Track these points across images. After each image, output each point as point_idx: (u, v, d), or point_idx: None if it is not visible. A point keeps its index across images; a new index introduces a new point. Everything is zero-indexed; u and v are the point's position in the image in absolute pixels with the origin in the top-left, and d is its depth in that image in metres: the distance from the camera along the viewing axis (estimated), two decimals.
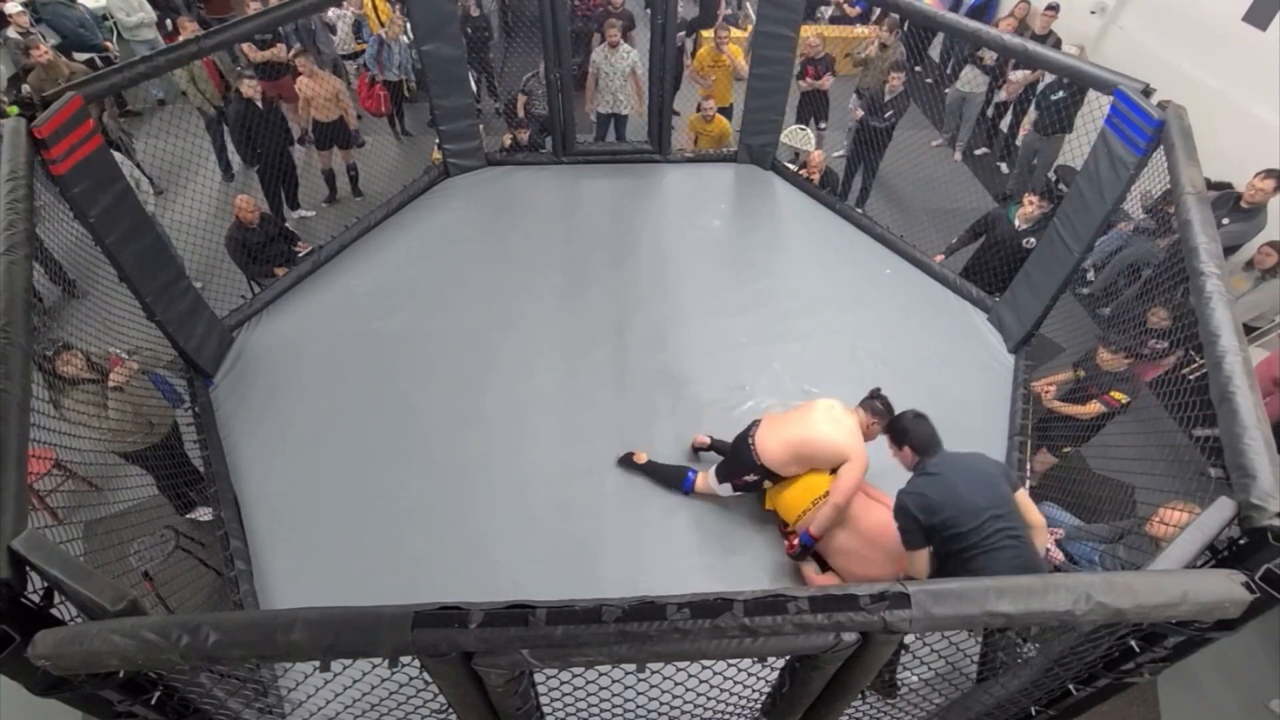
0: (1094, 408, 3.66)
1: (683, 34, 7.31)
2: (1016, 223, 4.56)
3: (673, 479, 3.66)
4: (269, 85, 6.60)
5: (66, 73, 5.81)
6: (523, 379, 4.21)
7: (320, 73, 6.02)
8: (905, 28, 6.53)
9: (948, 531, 2.45)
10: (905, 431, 2.75)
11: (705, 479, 3.53)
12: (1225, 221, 4.59)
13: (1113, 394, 3.59)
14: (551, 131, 5.91)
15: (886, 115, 5.97)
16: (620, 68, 5.99)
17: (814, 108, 6.88)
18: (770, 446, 3.26)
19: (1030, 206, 4.47)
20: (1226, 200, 4.73)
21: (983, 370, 4.37)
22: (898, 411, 3.02)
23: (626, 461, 3.75)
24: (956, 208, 6.50)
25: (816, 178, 5.79)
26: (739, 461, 3.37)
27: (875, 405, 3.22)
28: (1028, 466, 3.80)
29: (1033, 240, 4.32)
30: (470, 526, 3.51)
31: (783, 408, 3.98)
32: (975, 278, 4.83)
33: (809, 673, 1.59)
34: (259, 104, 5.58)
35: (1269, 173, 4.44)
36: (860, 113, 6.12)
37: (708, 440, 3.80)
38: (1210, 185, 4.88)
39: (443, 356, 4.32)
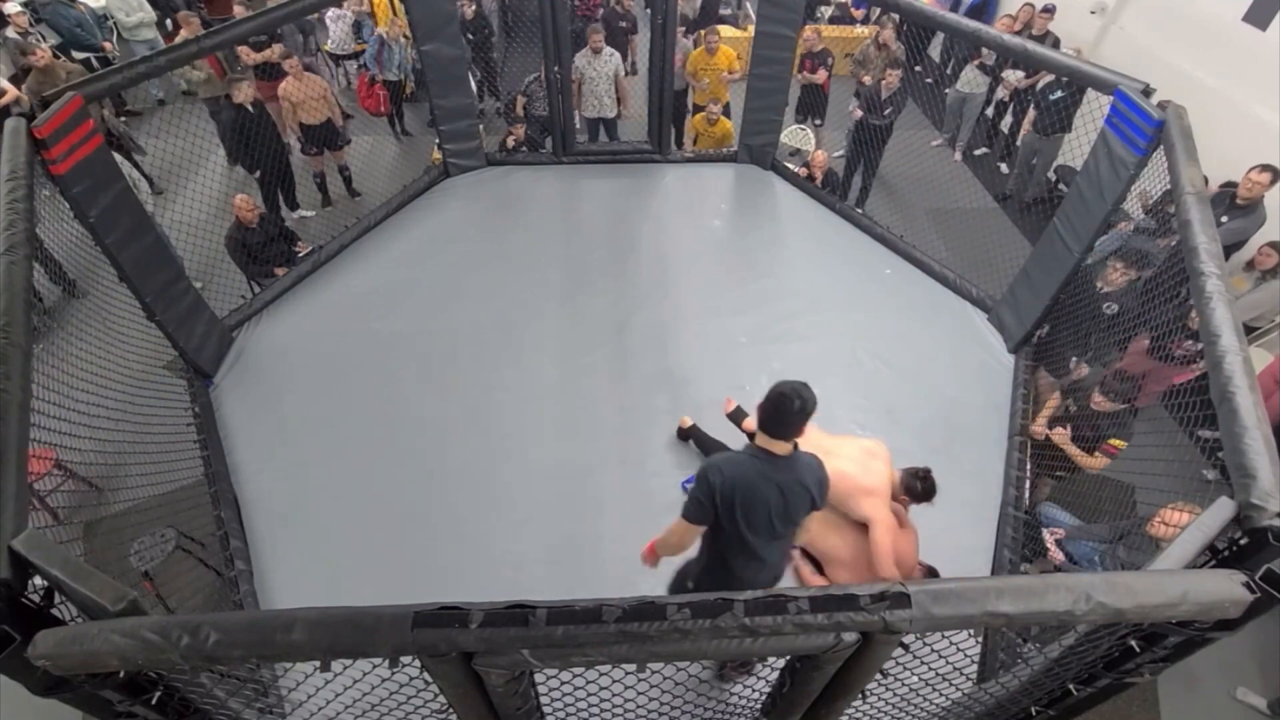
0: (1100, 461, 3.50)
1: (683, 30, 7.28)
2: (1099, 284, 4.01)
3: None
4: (267, 86, 6.59)
5: (64, 75, 5.80)
6: (523, 379, 4.21)
7: (306, 74, 5.95)
8: (905, 29, 6.53)
9: (726, 527, 2.24)
10: (769, 399, 2.14)
11: None
12: (1224, 219, 4.58)
13: (1112, 442, 3.45)
14: (551, 131, 5.91)
15: (886, 113, 5.97)
16: (604, 72, 5.98)
17: (811, 102, 6.89)
18: None
19: (1115, 273, 3.88)
20: (1223, 198, 4.72)
21: (983, 370, 4.37)
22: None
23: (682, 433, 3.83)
24: (956, 208, 6.50)
25: (820, 176, 5.78)
26: None
27: (915, 486, 2.97)
28: (1027, 466, 3.80)
29: (1114, 306, 3.82)
30: (470, 526, 3.51)
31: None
32: (1053, 336, 4.31)
33: (809, 673, 1.59)
34: (250, 109, 5.54)
35: (1264, 167, 4.43)
36: (859, 113, 6.12)
37: (690, 422, 3.80)
38: (1222, 185, 4.88)
39: (443, 356, 4.32)
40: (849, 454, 3.05)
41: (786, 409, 2.12)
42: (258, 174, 5.78)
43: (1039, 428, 3.85)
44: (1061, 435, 3.64)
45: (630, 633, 1.32)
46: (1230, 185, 4.90)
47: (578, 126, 6.43)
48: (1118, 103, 3.48)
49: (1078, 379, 3.88)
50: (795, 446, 2.23)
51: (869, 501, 2.91)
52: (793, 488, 2.25)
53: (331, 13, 7.41)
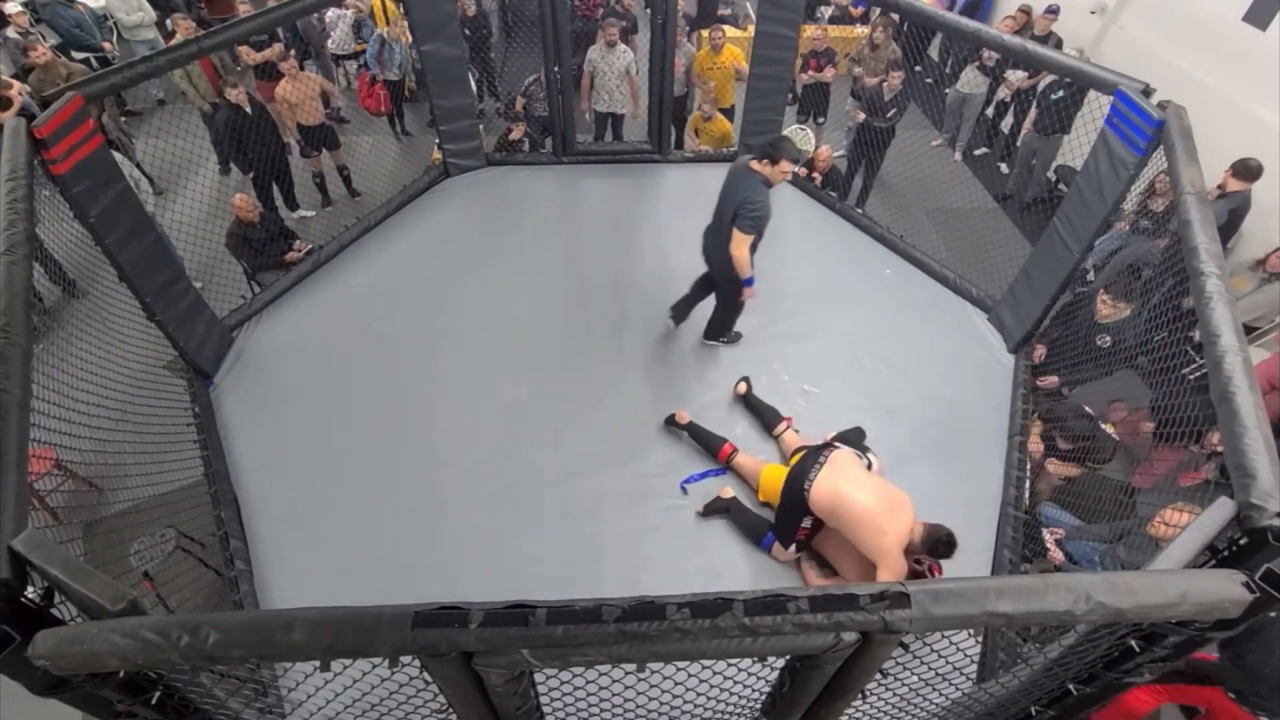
0: (1077, 470, 3.57)
1: (688, 31, 7.31)
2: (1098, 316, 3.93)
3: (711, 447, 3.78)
4: (268, 86, 6.59)
5: (65, 73, 5.81)
6: (523, 379, 4.21)
7: (301, 74, 5.95)
8: (906, 28, 6.53)
9: None
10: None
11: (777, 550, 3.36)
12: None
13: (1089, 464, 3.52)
14: (551, 131, 5.91)
15: (889, 115, 5.96)
16: (617, 67, 6.02)
17: (815, 101, 6.88)
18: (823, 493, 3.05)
19: (1105, 307, 3.82)
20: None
21: (983, 370, 4.37)
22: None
23: (670, 421, 3.90)
24: (957, 208, 6.51)
25: (821, 172, 5.78)
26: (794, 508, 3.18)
27: (937, 547, 2.91)
28: (1027, 466, 3.80)
29: (1107, 339, 3.83)
30: (470, 526, 3.51)
31: (786, 408, 3.98)
32: (1053, 359, 4.30)
33: (809, 673, 1.59)
34: (247, 109, 5.53)
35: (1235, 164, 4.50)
36: (861, 115, 6.11)
37: (688, 417, 3.85)
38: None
39: (443, 356, 4.32)
40: (874, 490, 3.00)
41: (768, 142, 3.56)
42: (251, 175, 5.78)
43: (1036, 447, 3.83)
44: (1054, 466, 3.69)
45: (630, 632, 1.32)
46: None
47: (588, 120, 6.46)
48: (1118, 103, 3.48)
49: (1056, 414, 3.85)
50: (764, 176, 3.53)
51: (881, 540, 2.87)
52: (736, 183, 3.60)
53: (332, 13, 7.41)
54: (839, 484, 3.02)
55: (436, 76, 5.26)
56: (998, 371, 4.36)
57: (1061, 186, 6.43)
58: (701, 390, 4.11)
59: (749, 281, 3.71)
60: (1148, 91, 3.39)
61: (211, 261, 4.91)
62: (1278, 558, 1.49)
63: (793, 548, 3.28)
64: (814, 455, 3.20)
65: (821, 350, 4.40)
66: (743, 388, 4.03)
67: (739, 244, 3.54)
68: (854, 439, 3.75)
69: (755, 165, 3.52)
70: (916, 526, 2.96)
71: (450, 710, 1.69)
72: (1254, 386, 1.89)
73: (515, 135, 6.02)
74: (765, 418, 3.89)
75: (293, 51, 6.79)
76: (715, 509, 3.53)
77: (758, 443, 3.86)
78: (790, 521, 3.22)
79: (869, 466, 3.30)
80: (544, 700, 1.88)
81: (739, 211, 3.51)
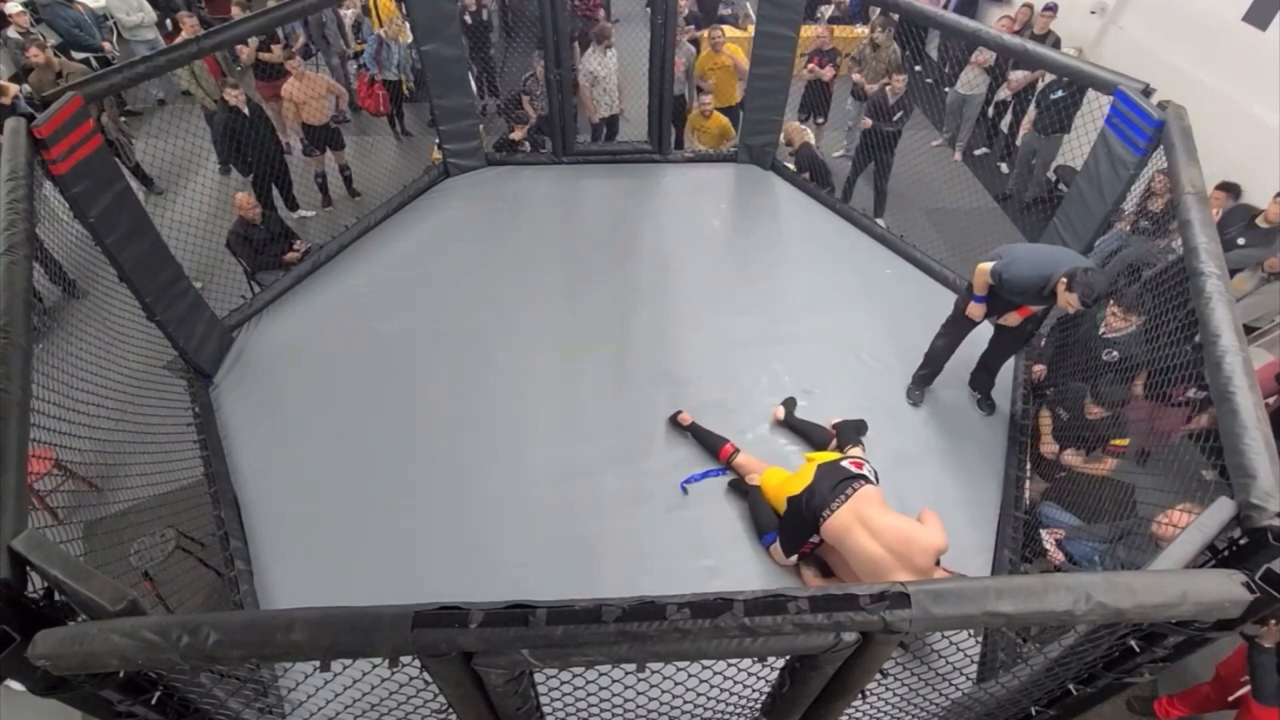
0: (1109, 465, 3.54)
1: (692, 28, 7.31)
2: (1101, 329, 3.87)
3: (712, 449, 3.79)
4: (267, 86, 6.60)
5: (64, 73, 5.80)
6: (523, 379, 4.21)
7: (309, 74, 5.96)
8: (899, 23, 6.53)
9: None
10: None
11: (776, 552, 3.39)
12: (1241, 242, 4.52)
13: (1114, 443, 3.48)
14: (551, 132, 5.91)
15: (895, 118, 5.95)
16: (613, 68, 6.10)
17: (815, 100, 6.88)
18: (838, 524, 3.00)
19: (1115, 319, 3.73)
20: (1241, 215, 4.66)
21: None
22: None
23: (673, 422, 3.92)
24: (957, 208, 6.51)
25: (793, 150, 5.81)
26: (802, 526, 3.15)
27: None
28: (1027, 467, 3.80)
29: (1115, 353, 3.78)
30: (471, 526, 3.51)
31: (784, 409, 3.98)
32: (1052, 375, 4.28)
33: (809, 673, 1.59)
34: (245, 111, 5.54)
35: None
36: (868, 121, 6.10)
37: (690, 419, 3.87)
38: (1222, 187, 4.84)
39: (443, 357, 4.32)
40: (889, 540, 2.91)
41: (1086, 268, 3.23)
42: (250, 176, 5.79)
43: (1049, 449, 3.80)
44: (1074, 459, 3.64)
45: (630, 632, 1.32)
46: (1231, 186, 4.88)
47: (590, 126, 6.47)
48: (1118, 103, 3.48)
49: (1060, 390, 3.83)
50: (1056, 284, 3.26)
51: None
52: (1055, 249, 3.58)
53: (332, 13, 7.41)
54: (853, 526, 2.98)
55: (436, 76, 5.26)
56: None
57: (1061, 186, 6.43)
58: (702, 390, 4.11)
59: (975, 299, 3.71)
60: (1148, 91, 3.39)
61: (211, 261, 4.91)
62: (1278, 558, 1.49)
63: (794, 556, 3.28)
64: (840, 484, 3.09)
65: (821, 350, 4.40)
66: (781, 413, 3.96)
67: (980, 270, 3.57)
68: (854, 431, 3.74)
69: (1065, 277, 3.21)
70: (936, 575, 2.89)
71: (450, 710, 1.69)
72: (1254, 386, 1.90)
73: (516, 135, 6.02)
74: (814, 438, 3.79)
75: (296, 46, 6.79)
76: (739, 489, 3.61)
77: (758, 444, 3.86)
78: (797, 537, 3.21)
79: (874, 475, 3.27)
80: (544, 700, 1.88)
81: (1009, 248, 3.56)
